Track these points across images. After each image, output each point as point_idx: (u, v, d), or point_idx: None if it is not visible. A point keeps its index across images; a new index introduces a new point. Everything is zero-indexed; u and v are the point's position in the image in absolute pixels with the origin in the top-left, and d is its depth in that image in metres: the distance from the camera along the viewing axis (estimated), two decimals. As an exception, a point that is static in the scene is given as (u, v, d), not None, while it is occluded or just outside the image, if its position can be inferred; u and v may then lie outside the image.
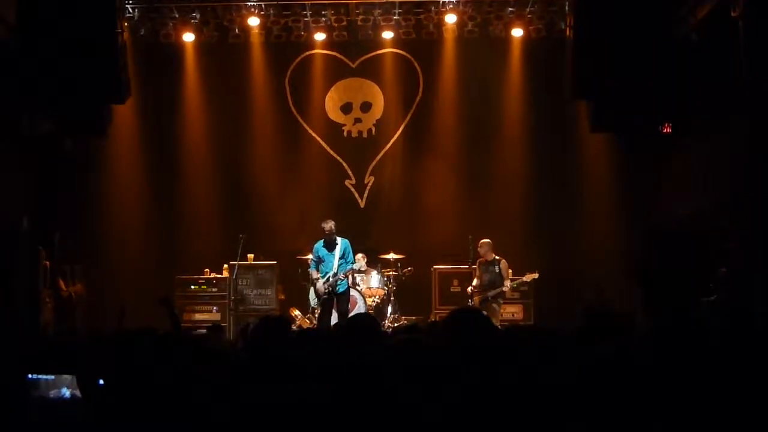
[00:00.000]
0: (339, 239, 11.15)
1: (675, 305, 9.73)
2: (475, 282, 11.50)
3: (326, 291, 10.90)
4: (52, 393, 3.03)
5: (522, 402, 3.28)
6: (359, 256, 11.84)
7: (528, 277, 11.41)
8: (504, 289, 11.29)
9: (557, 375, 3.56)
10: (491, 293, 11.27)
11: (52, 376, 2.97)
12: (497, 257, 11.41)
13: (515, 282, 11.41)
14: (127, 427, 2.76)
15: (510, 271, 11.42)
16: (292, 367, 3.66)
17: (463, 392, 3.15)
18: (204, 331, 10.61)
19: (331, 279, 10.93)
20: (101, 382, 2.90)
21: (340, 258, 11.00)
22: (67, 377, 2.97)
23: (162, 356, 3.05)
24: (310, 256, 11.73)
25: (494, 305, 11.28)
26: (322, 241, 11.23)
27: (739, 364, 3.86)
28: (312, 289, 11.43)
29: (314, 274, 11.22)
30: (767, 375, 3.77)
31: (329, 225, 11.10)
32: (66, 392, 3.00)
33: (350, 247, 11.18)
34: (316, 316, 11.46)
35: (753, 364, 3.88)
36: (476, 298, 11.34)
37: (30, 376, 2.98)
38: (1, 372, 2.94)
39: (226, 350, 4.26)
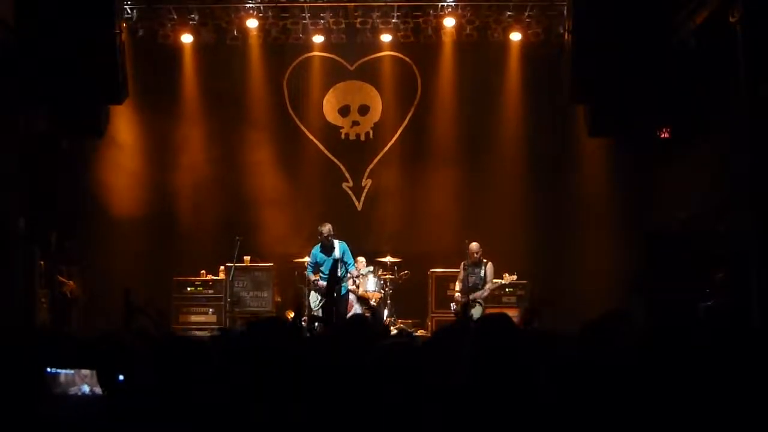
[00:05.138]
0: (336, 242, 11.11)
1: (674, 311, 9.73)
2: (458, 285, 11.45)
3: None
4: (72, 389, 3.01)
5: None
6: (360, 259, 11.81)
7: (506, 279, 11.39)
8: (485, 293, 11.25)
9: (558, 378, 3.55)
10: (473, 296, 11.21)
11: (72, 371, 2.95)
12: (484, 260, 11.37)
13: (495, 284, 11.39)
14: (147, 424, 2.74)
15: (493, 274, 11.36)
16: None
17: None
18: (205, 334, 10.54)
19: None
20: (121, 377, 2.90)
21: (340, 261, 10.97)
22: (86, 372, 2.95)
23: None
24: (306, 259, 11.69)
25: (478, 308, 11.21)
26: (319, 245, 11.20)
27: (736, 369, 3.87)
28: (312, 292, 11.36)
29: (313, 277, 11.18)
30: (765, 378, 3.78)
31: (326, 228, 11.05)
32: (86, 389, 2.98)
33: (348, 250, 11.15)
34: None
35: (751, 369, 3.88)
36: (459, 300, 11.28)
37: (49, 370, 2.97)
38: (19, 366, 2.91)
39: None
